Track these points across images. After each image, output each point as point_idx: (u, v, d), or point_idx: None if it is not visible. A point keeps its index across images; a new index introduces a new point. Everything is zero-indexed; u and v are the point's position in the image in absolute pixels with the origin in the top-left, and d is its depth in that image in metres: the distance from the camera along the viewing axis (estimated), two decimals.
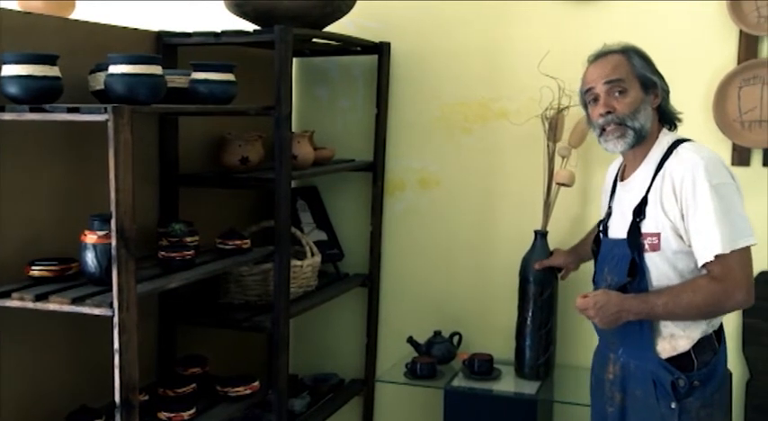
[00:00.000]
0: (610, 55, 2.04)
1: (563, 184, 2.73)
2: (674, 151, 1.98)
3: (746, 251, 1.88)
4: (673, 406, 1.94)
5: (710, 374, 1.96)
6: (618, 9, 2.77)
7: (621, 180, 2.13)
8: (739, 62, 2.66)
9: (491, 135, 2.96)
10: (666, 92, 2.05)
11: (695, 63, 2.71)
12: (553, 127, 2.73)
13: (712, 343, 1.98)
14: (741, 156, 2.69)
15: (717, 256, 1.85)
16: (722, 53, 2.68)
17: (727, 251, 1.84)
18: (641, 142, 2.01)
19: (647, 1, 2.72)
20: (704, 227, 1.86)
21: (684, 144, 1.99)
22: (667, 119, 2.07)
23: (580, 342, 2.83)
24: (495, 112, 2.95)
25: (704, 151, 1.96)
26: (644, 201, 1.98)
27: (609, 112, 1.99)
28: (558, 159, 2.76)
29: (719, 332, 2.02)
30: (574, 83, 2.69)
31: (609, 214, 2.16)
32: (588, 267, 2.60)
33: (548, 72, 2.71)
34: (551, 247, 2.73)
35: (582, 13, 2.81)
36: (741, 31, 2.64)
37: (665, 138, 2.03)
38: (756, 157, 2.69)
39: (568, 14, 2.83)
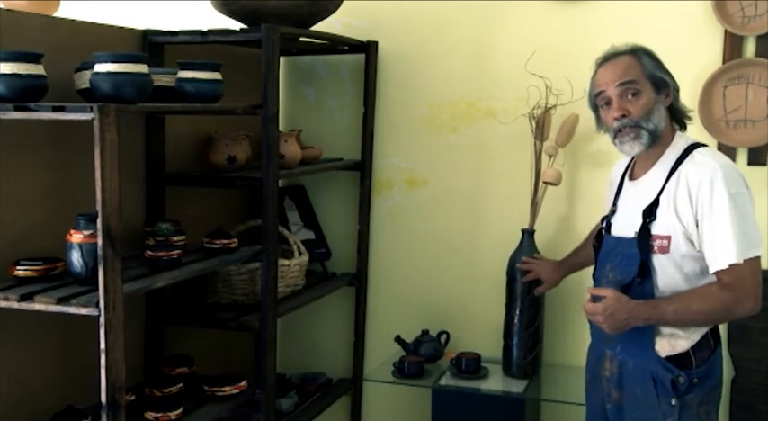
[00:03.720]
0: (620, 56, 2.01)
1: (550, 183, 2.74)
2: (690, 155, 1.97)
3: (757, 261, 1.89)
4: (673, 402, 1.95)
5: (709, 371, 1.98)
6: (604, 9, 2.77)
7: (631, 178, 2.12)
8: (724, 62, 2.67)
9: (478, 134, 2.97)
10: (677, 90, 2.03)
11: (680, 63, 2.70)
12: (540, 126, 2.74)
13: (709, 342, 2.00)
14: (726, 156, 2.70)
15: (730, 265, 1.86)
16: (707, 53, 2.69)
17: (741, 261, 1.85)
18: (656, 143, 2.00)
19: (633, 1, 2.74)
20: (719, 235, 1.87)
21: (700, 149, 1.99)
22: (678, 117, 2.06)
23: (567, 340, 2.85)
24: (482, 112, 2.95)
25: (721, 158, 1.96)
26: (655, 203, 1.97)
27: (623, 116, 1.97)
28: (545, 158, 2.76)
29: (716, 331, 2.03)
30: (561, 82, 2.72)
31: (613, 212, 2.15)
32: (576, 274, 2.62)
33: (535, 71, 2.71)
34: (539, 246, 2.74)
35: (568, 13, 2.82)
36: (726, 31, 2.65)
37: (681, 141, 2.02)
38: (741, 157, 2.70)
39: (555, 14, 2.83)
